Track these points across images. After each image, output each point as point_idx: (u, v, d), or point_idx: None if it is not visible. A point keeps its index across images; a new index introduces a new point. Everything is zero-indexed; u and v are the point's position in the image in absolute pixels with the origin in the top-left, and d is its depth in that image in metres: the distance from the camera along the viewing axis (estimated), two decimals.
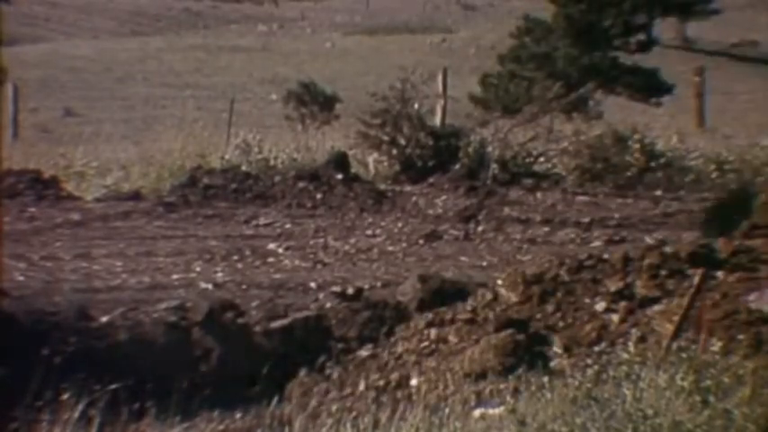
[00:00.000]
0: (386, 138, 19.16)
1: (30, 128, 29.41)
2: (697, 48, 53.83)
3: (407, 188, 17.82)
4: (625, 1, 35.47)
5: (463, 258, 13.30)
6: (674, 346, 7.81)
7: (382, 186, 17.70)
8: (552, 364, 8.44)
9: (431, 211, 16.15)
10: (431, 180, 18.02)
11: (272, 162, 18.62)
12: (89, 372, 7.80)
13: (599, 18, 35.43)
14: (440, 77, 22.52)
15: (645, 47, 37.08)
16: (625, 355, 7.85)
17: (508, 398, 7.59)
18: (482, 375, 8.29)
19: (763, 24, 57.11)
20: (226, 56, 53.18)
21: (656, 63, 35.93)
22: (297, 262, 13.00)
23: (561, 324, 8.85)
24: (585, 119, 23.57)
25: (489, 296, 9.29)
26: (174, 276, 11.89)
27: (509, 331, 8.61)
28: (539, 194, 17.59)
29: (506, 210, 16.32)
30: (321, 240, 14.21)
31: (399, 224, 15.27)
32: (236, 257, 13.04)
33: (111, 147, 22.19)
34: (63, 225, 14.61)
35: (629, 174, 18.61)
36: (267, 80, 46.02)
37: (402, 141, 19.08)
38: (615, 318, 8.83)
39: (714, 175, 18.68)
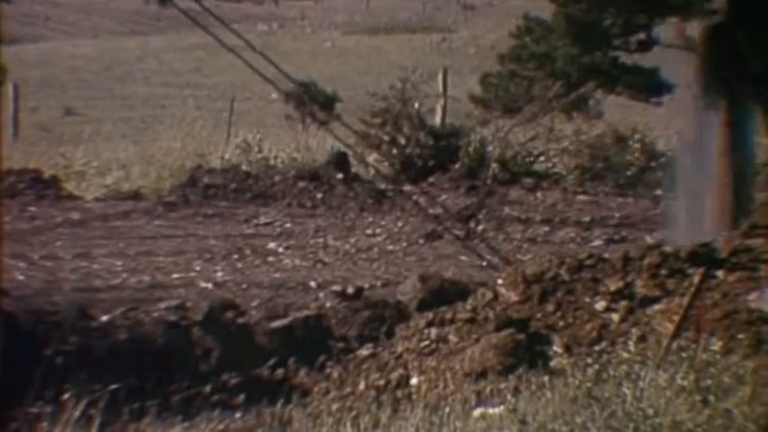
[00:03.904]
0: (386, 137, 19.16)
1: (30, 127, 29.35)
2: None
3: (407, 187, 17.82)
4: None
5: (463, 258, 13.29)
6: (675, 345, 7.81)
7: (382, 186, 17.69)
8: (552, 363, 8.43)
9: (431, 211, 16.14)
10: (431, 179, 18.02)
11: (272, 162, 18.63)
12: (89, 371, 7.80)
13: (599, 17, 35.32)
14: (440, 77, 22.54)
15: (645, 46, 36.98)
16: (625, 355, 7.84)
17: (508, 397, 7.59)
18: (482, 375, 8.29)
19: None
20: (226, 55, 53.06)
21: (657, 62, 35.85)
22: (297, 261, 13.00)
23: (561, 323, 8.84)
24: (586, 118, 23.52)
25: (489, 295, 9.27)
26: (175, 276, 11.88)
27: (509, 331, 8.61)
28: (539, 194, 17.60)
29: (506, 209, 16.34)
30: (321, 240, 14.21)
31: (399, 223, 15.27)
32: (236, 257, 13.04)
33: (111, 146, 22.20)
34: (63, 224, 14.61)
35: (629, 173, 18.63)
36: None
37: (402, 141, 19.08)
38: (615, 317, 8.82)
39: None
